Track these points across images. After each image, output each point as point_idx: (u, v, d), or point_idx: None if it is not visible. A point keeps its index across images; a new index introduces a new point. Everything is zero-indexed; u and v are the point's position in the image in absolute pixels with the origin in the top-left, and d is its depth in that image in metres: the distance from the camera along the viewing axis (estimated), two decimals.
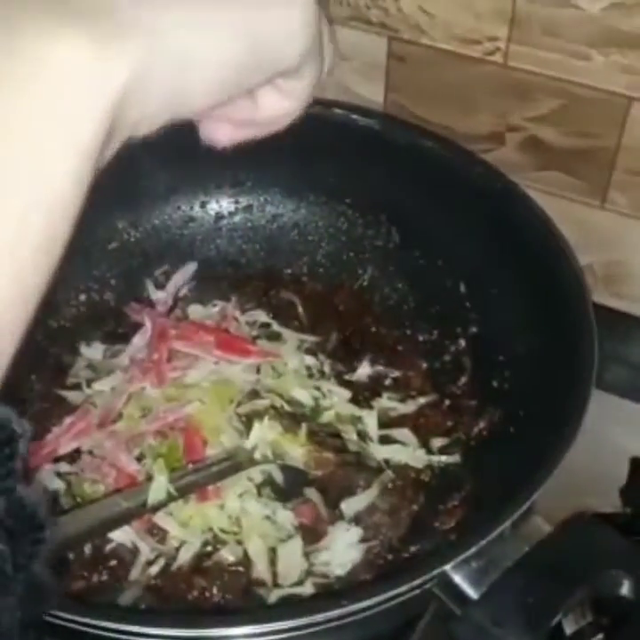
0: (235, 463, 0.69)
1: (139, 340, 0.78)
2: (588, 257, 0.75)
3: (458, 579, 0.57)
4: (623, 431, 0.80)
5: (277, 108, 0.45)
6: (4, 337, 0.32)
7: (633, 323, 0.87)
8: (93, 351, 0.78)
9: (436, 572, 0.56)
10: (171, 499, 0.66)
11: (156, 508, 0.66)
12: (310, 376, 0.77)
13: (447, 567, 0.56)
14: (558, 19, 0.76)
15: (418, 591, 0.57)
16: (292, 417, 0.73)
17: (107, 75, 0.34)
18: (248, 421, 0.71)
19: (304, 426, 0.72)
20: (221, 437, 0.70)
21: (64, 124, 0.33)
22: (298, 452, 0.71)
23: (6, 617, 0.32)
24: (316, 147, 0.81)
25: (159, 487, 0.66)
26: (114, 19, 0.34)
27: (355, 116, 0.80)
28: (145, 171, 0.81)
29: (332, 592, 0.66)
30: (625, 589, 0.57)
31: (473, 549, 0.56)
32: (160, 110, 0.37)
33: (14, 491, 0.32)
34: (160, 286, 0.83)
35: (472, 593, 0.57)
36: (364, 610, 0.55)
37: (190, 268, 0.84)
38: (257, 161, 0.83)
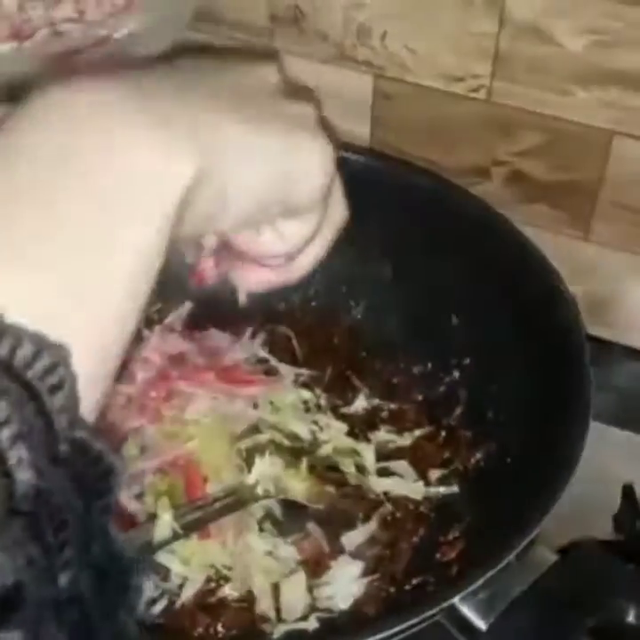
0: (238, 499, 0.69)
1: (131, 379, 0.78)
2: (574, 287, 0.76)
3: (466, 610, 0.57)
4: (610, 458, 0.81)
5: (270, 247, 0.45)
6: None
7: (618, 351, 0.88)
8: None
9: (445, 603, 0.56)
10: (176, 537, 0.66)
11: (161, 548, 0.66)
12: (307, 410, 0.77)
13: (456, 599, 0.57)
14: (541, 56, 0.78)
15: (425, 624, 0.57)
16: (292, 451, 0.73)
17: (176, 174, 0.35)
18: (248, 457, 0.71)
19: (305, 460, 0.72)
20: (222, 474, 0.70)
21: (134, 224, 0.34)
22: (300, 486, 0.71)
23: None
24: None
25: (164, 525, 0.65)
26: (177, 121, 0.36)
27: (346, 153, 0.81)
28: None
29: (336, 626, 0.66)
30: (631, 617, 0.57)
31: (482, 580, 0.56)
32: (197, 223, 0.38)
33: (108, 532, 0.31)
34: (154, 324, 0.83)
35: (480, 624, 0.57)
36: None
37: (185, 308, 0.84)
38: None
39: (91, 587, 0.30)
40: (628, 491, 0.79)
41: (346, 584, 0.68)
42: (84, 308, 0.33)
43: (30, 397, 0.30)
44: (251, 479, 0.70)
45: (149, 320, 0.83)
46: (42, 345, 0.30)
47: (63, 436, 0.31)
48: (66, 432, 0.31)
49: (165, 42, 0.55)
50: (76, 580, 0.30)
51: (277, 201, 0.41)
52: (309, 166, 0.42)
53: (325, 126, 0.44)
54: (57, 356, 0.31)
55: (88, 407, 0.32)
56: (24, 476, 0.29)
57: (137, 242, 0.34)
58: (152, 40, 0.55)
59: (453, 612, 0.57)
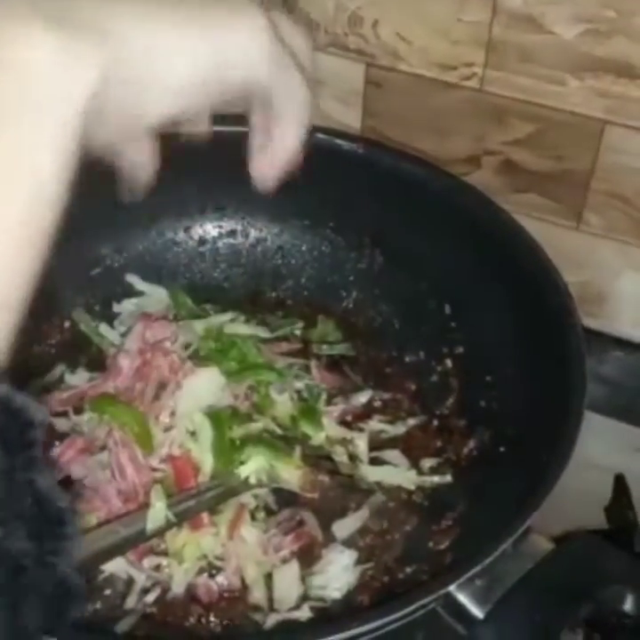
0: (230, 488, 0.68)
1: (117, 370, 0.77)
2: (564, 277, 0.76)
3: (462, 598, 0.57)
4: (601, 448, 0.81)
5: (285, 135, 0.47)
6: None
7: (609, 341, 0.89)
8: (78, 378, 0.77)
9: (442, 591, 0.56)
10: (169, 525, 0.65)
11: (154, 536, 0.65)
12: (300, 399, 0.76)
13: (452, 586, 0.56)
14: (534, 45, 0.77)
15: (421, 612, 0.57)
16: (285, 440, 0.72)
17: (75, 78, 0.33)
18: (241, 445, 0.71)
19: (297, 449, 0.72)
20: (214, 463, 0.69)
21: (32, 129, 0.32)
22: (293, 475, 0.70)
23: (27, 618, 0.31)
24: (300, 171, 0.81)
25: (157, 513, 0.65)
26: (78, 23, 0.33)
27: (338, 141, 0.81)
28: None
29: (330, 616, 0.66)
30: (627, 604, 0.57)
31: (477, 568, 0.56)
32: (116, 122, 0.37)
33: (35, 482, 0.31)
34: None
35: (477, 612, 0.57)
36: (367, 632, 0.55)
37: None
38: (240, 185, 0.83)
39: (23, 538, 0.30)
40: (619, 481, 0.79)
41: (339, 573, 0.68)
42: None
43: None
44: (243, 468, 0.70)
45: None
46: None
47: None
48: None
49: None
50: (7, 533, 0.30)
51: (216, 82, 0.40)
52: (238, 41, 0.41)
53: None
54: None
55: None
56: None
57: (35, 168, 0.32)
58: None
59: (450, 601, 0.57)
